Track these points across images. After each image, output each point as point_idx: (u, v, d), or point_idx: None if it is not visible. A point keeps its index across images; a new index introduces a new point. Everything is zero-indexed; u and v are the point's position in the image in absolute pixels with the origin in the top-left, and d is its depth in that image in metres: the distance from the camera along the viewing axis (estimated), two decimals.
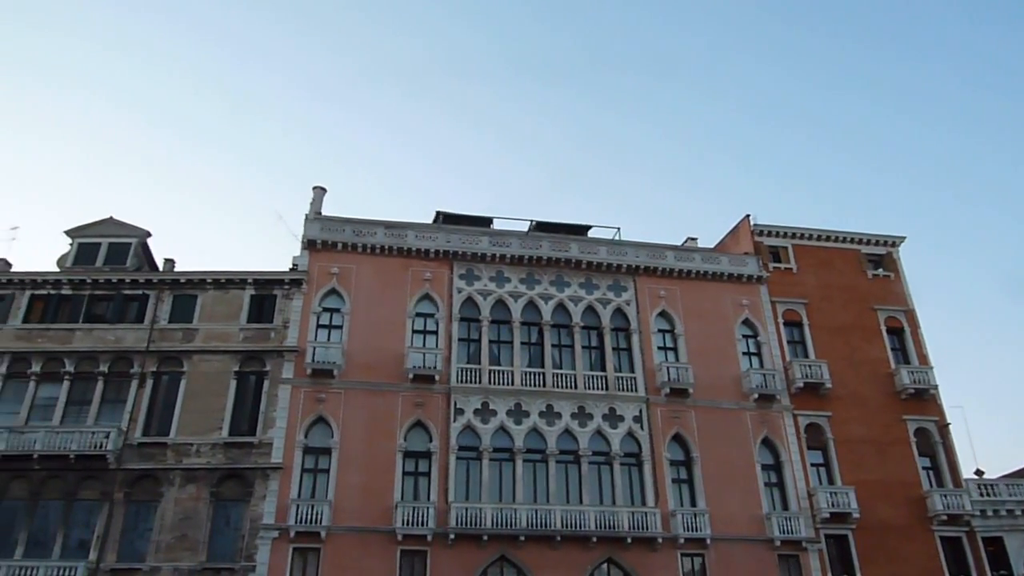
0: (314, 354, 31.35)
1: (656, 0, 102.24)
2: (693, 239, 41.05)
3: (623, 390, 33.48)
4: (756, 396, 34.00)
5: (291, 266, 33.94)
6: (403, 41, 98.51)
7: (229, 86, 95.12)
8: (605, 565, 30.18)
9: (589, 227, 40.09)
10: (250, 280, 33.14)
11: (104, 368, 31.34)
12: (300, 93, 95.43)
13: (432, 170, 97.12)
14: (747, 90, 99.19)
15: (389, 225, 35.39)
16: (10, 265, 35.17)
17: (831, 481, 33.40)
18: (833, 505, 31.99)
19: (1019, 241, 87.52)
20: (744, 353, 35.55)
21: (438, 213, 39.49)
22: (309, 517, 28.59)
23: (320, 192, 40.53)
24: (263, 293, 33.09)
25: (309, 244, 34.13)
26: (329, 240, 34.26)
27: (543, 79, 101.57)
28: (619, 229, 38.30)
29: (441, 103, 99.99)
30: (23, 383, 31.22)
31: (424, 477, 30.74)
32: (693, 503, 31.92)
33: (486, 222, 39.14)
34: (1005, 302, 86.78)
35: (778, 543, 31.21)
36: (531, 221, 38.71)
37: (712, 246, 40.70)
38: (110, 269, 33.53)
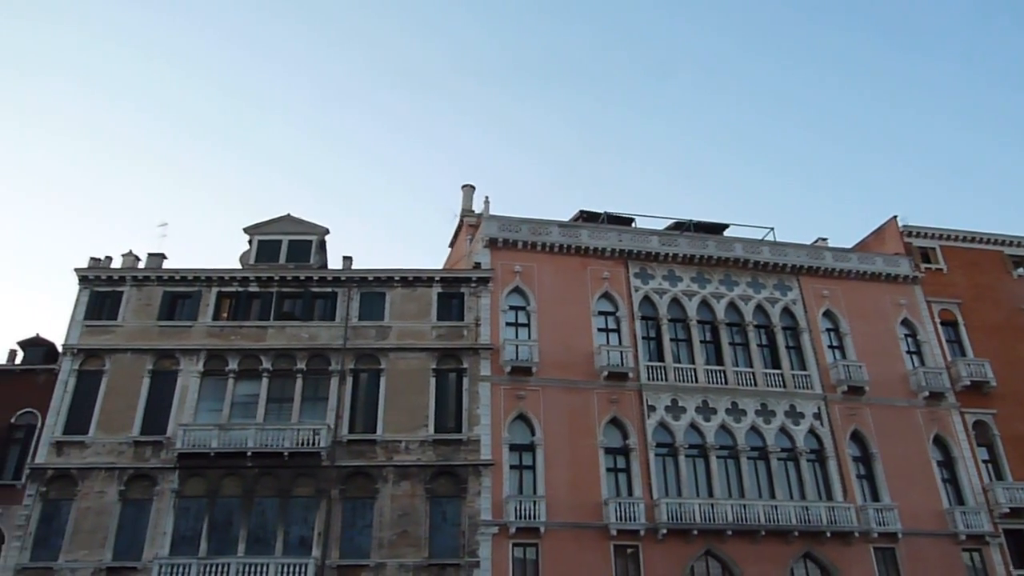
0: (511, 352, 31.60)
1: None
2: (824, 239, 41.75)
3: (800, 388, 34.08)
4: (926, 394, 34.72)
5: (474, 263, 34.14)
6: (407, 41, 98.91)
7: (231, 83, 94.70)
8: (802, 559, 30.73)
9: (726, 226, 40.68)
10: (437, 278, 33.30)
11: (302, 365, 31.36)
12: (303, 92, 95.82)
13: (437, 170, 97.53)
14: (752, 86, 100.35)
15: (562, 224, 35.77)
16: (163, 259, 35.05)
17: (999, 477, 34.18)
18: (1012, 500, 32.78)
19: None
20: (906, 352, 36.28)
21: (580, 212, 39.98)
22: (527, 513, 28.88)
23: (470, 190, 40.93)
24: (450, 291, 33.24)
25: (490, 242, 34.34)
26: (510, 239, 34.52)
27: (547, 78, 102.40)
28: (772, 229, 38.85)
29: (445, 102, 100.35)
30: (221, 380, 31.19)
31: (623, 473, 31.13)
32: (875, 498, 32.57)
33: (627, 221, 39.74)
34: None
35: (963, 537, 31.93)
36: (692, 221, 39.10)
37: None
38: (295, 266, 33.52)
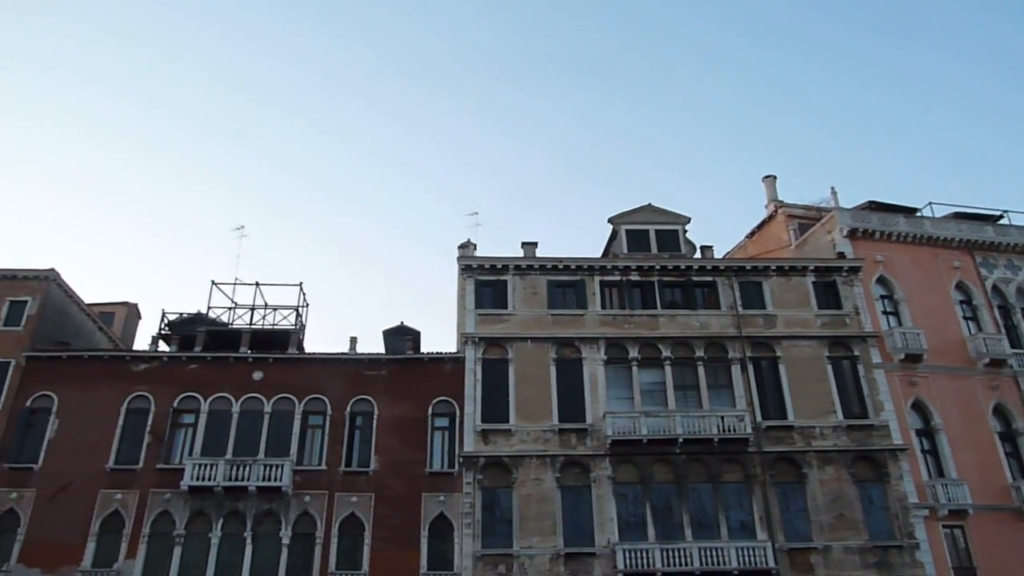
0: (900, 339, 32.26)
1: None
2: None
3: None
4: None
5: (837, 253, 34.67)
6: (416, 37, 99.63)
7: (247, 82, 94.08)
8: None
9: (1002, 215, 41.53)
10: (811, 267, 33.85)
11: (701, 353, 31.79)
12: (311, 85, 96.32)
13: (448, 167, 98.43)
14: (755, 78, 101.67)
15: (907, 215, 36.50)
16: (475, 248, 35.12)
17: None
18: None
19: None
20: None
21: (869, 202, 40.62)
22: (951, 496, 29.64)
23: (772, 181, 41.48)
24: (823, 280, 33.79)
25: (850, 233, 34.97)
26: (867, 229, 35.18)
27: (555, 74, 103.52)
28: None
29: (454, 98, 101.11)
30: (623, 368, 31.58)
31: (1012, 458, 31.92)
32: None
33: (912, 211, 40.46)
34: None
35: None
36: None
37: None
38: (669, 255, 33.94)
